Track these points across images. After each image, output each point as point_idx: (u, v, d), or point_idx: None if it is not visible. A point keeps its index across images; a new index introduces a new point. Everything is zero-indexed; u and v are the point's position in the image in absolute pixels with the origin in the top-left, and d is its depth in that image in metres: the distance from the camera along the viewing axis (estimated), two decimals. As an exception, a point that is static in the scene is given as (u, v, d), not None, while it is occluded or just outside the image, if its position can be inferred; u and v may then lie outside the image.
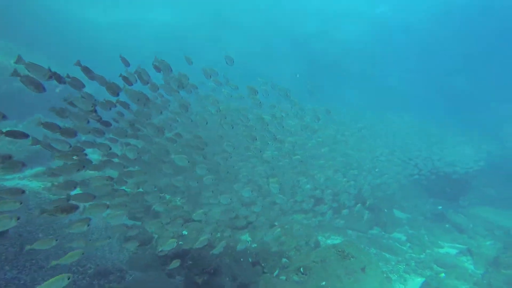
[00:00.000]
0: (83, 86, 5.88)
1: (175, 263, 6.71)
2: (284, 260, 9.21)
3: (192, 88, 9.26)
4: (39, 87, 4.73)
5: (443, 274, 9.99)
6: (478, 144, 20.88)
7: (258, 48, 38.73)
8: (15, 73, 4.59)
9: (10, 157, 4.70)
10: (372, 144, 16.53)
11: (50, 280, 3.96)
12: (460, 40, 31.35)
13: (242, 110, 10.35)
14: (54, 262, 4.72)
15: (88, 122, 6.06)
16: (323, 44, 37.48)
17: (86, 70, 5.90)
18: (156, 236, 9.87)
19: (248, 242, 7.97)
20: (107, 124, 6.68)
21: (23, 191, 4.87)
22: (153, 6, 33.43)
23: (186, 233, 9.52)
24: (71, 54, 33.23)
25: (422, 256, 11.48)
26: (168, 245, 6.53)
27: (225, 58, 9.65)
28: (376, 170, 14.21)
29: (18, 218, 4.19)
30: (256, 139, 9.02)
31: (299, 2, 31.94)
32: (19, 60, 4.61)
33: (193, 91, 9.45)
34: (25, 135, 4.65)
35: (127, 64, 7.39)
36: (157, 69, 8.04)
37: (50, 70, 4.84)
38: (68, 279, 4.08)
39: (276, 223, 10.69)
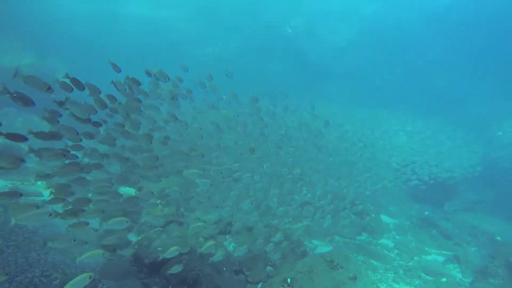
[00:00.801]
0: (72, 90, 5.81)
1: (177, 268, 6.32)
2: (269, 268, 8.74)
3: (187, 93, 9.40)
4: (28, 103, 4.75)
5: (444, 279, 9.82)
6: (471, 147, 21.03)
7: (246, 45, 38.28)
8: (5, 91, 4.59)
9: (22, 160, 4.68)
10: (372, 151, 16.38)
11: (73, 280, 4.13)
12: (450, 40, 31.91)
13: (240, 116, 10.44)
14: (79, 259, 4.94)
15: (78, 134, 5.95)
16: (312, 43, 37.38)
17: (76, 82, 5.81)
18: (133, 241, 9.25)
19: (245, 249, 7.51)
20: (97, 124, 6.49)
21: (21, 194, 4.88)
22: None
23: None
24: (46, 42, 31.83)
25: (410, 263, 11.25)
26: (170, 253, 6.11)
27: (225, 72, 9.99)
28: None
29: (51, 214, 4.62)
30: (254, 151, 8.99)
31: (286, 1, 31.70)
32: (16, 74, 4.68)
33: (188, 95, 9.56)
34: (25, 138, 4.74)
35: (117, 70, 7.38)
36: (148, 74, 8.14)
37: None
38: (90, 278, 4.29)
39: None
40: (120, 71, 7.41)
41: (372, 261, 10.99)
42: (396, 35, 34.01)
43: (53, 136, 5.37)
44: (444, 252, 12.91)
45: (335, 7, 31.93)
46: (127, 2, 32.25)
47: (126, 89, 7.38)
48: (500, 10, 27.22)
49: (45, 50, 25.13)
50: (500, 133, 20.50)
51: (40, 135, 5.16)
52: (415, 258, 11.83)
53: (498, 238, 14.75)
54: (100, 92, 6.34)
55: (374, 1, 30.70)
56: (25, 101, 4.70)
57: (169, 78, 8.19)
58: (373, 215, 14.91)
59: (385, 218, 15.94)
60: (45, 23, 32.62)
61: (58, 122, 5.67)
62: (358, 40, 35.64)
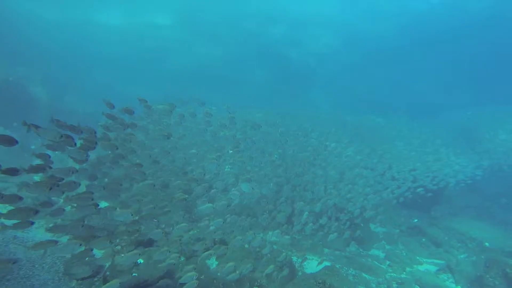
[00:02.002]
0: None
1: (192, 284, 5.86)
2: (255, 289, 8.08)
3: (180, 118, 9.93)
4: (13, 142, 4.96)
5: None
6: (468, 152, 21.15)
7: (227, 53, 38.04)
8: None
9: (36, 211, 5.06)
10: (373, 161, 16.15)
11: None
12: (429, 47, 32.76)
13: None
14: None
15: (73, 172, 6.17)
16: (293, 50, 37.60)
17: (72, 128, 6.06)
18: (107, 264, 8.41)
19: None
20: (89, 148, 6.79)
21: (37, 211, 5.24)
22: (107, 8, 31.53)
23: (142, 261, 8.15)
24: (16, 51, 30.36)
25: (403, 275, 10.83)
26: (187, 278, 5.87)
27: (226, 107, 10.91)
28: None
29: (80, 245, 5.05)
30: (250, 180, 9.36)
31: (269, 8, 31.73)
32: (27, 126, 5.02)
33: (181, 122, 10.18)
34: (17, 172, 5.09)
35: (111, 106, 7.86)
36: (143, 101, 8.57)
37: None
38: None
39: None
40: (113, 107, 7.81)
41: (364, 274, 10.48)
42: (376, 42, 34.58)
43: (43, 169, 5.56)
44: (435, 261, 12.60)
45: (317, 15, 32.18)
46: (102, 10, 31.42)
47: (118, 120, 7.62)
48: (475, 18, 28.08)
49: (14, 59, 23.74)
50: (487, 136, 20.89)
51: (31, 169, 5.39)
52: (408, 269, 11.45)
53: (487, 244, 14.67)
54: (95, 133, 6.59)
55: (355, 9, 31.17)
56: (10, 142, 4.89)
57: (171, 113, 8.62)
58: (362, 224, 14.54)
59: (373, 226, 15.58)
60: (15, 32, 31.21)
61: (49, 156, 6.02)
62: (341, 46, 36.03)
